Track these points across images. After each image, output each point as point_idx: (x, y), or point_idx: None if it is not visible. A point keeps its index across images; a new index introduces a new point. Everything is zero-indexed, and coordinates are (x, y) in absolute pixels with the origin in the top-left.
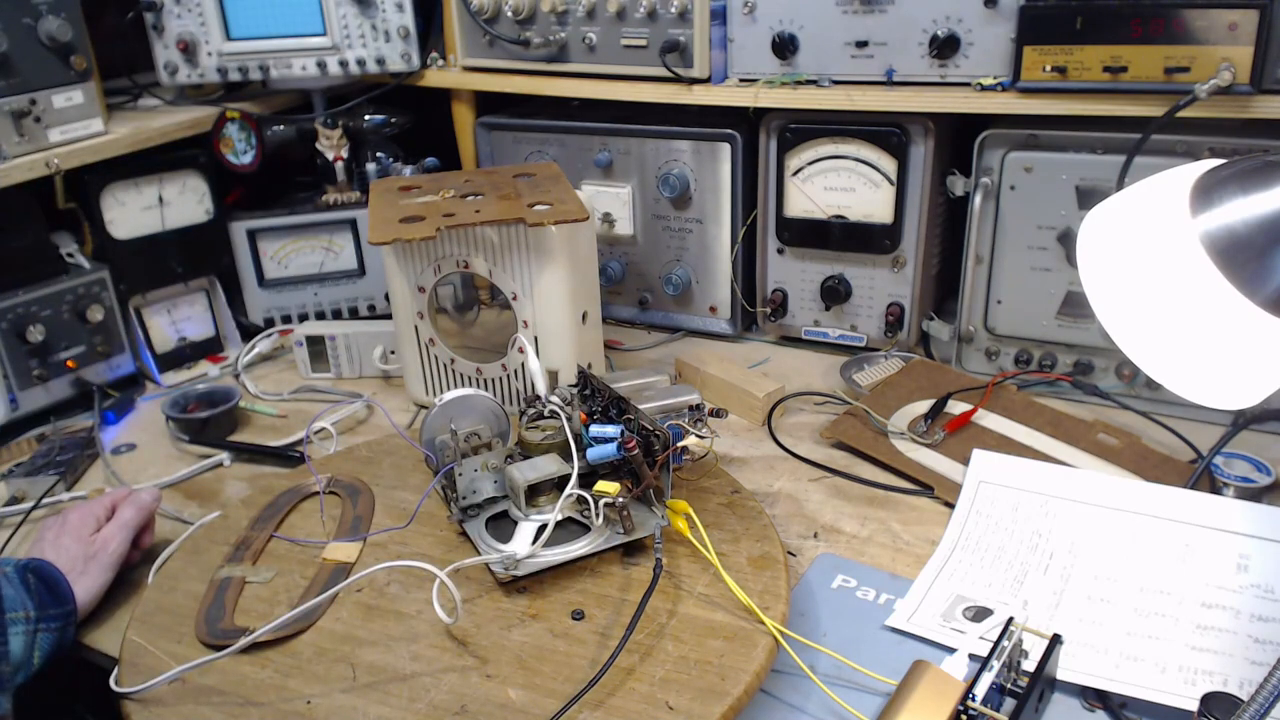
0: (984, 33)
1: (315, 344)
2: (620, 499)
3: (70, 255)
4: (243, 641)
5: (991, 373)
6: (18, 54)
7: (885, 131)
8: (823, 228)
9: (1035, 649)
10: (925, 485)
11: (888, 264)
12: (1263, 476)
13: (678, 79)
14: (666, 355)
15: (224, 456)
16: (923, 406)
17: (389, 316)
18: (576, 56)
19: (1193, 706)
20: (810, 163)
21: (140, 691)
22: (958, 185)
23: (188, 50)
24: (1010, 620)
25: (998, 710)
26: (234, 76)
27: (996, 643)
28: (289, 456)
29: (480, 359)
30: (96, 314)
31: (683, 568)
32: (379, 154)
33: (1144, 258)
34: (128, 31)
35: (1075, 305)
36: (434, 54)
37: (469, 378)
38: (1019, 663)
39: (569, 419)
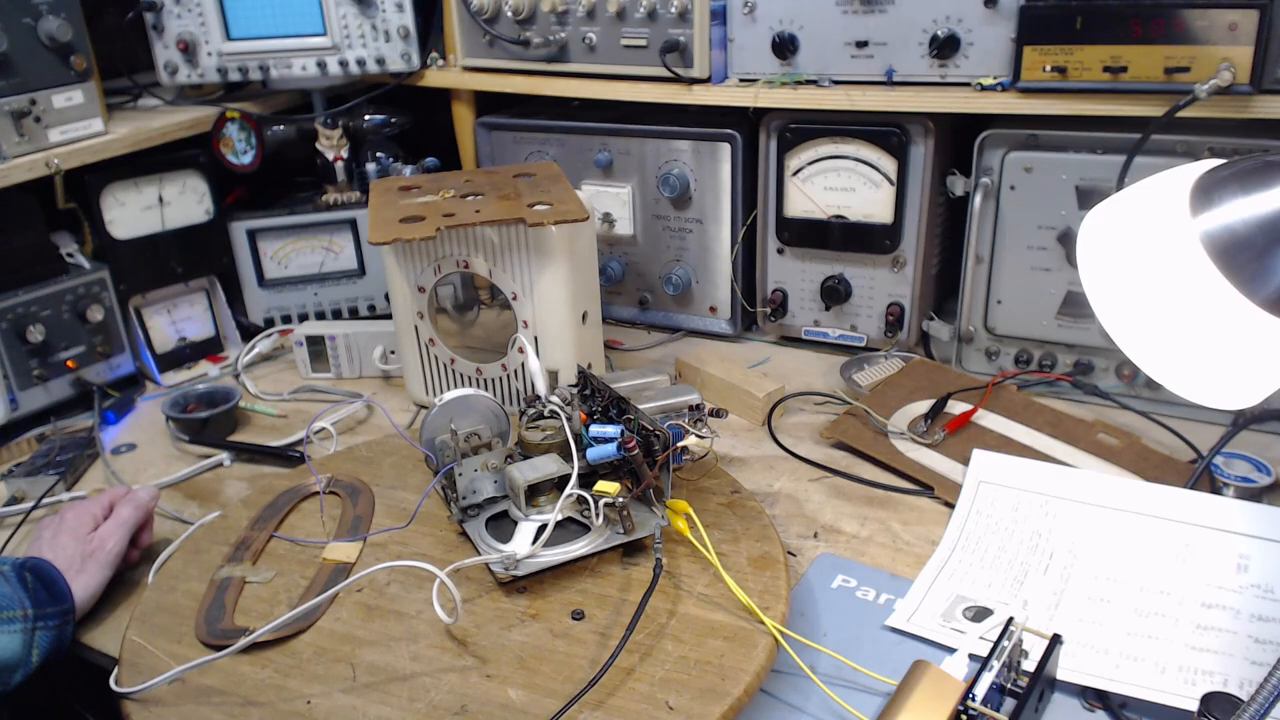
0: (984, 33)
1: (315, 344)
2: (620, 499)
3: (70, 255)
4: (243, 641)
5: (991, 373)
6: (18, 54)
7: (885, 131)
8: (823, 228)
9: (1035, 649)
10: (925, 485)
11: (888, 264)
12: (1263, 476)
13: (678, 79)
14: (666, 355)
15: (224, 456)
16: (923, 406)
17: (389, 316)
18: (576, 56)
19: (1193, 706)
20: (810, 163)
21: (140, 691)
22: (958, 185)
23: (188, 50)
24: (1010, 620)
25: (998, 710)
26: (234, 76)
27: (996, 643)
28: (289, 456)
29: (480, 359)
30: (96, 314)
31: (683, 568)
32: (379, 154)
33: (1144, 258)
34: (128, 31)
35: (1075, 305)
36: (434, 54)
37: (469, 378)
38: (1019, 663)
39: (569, 419)
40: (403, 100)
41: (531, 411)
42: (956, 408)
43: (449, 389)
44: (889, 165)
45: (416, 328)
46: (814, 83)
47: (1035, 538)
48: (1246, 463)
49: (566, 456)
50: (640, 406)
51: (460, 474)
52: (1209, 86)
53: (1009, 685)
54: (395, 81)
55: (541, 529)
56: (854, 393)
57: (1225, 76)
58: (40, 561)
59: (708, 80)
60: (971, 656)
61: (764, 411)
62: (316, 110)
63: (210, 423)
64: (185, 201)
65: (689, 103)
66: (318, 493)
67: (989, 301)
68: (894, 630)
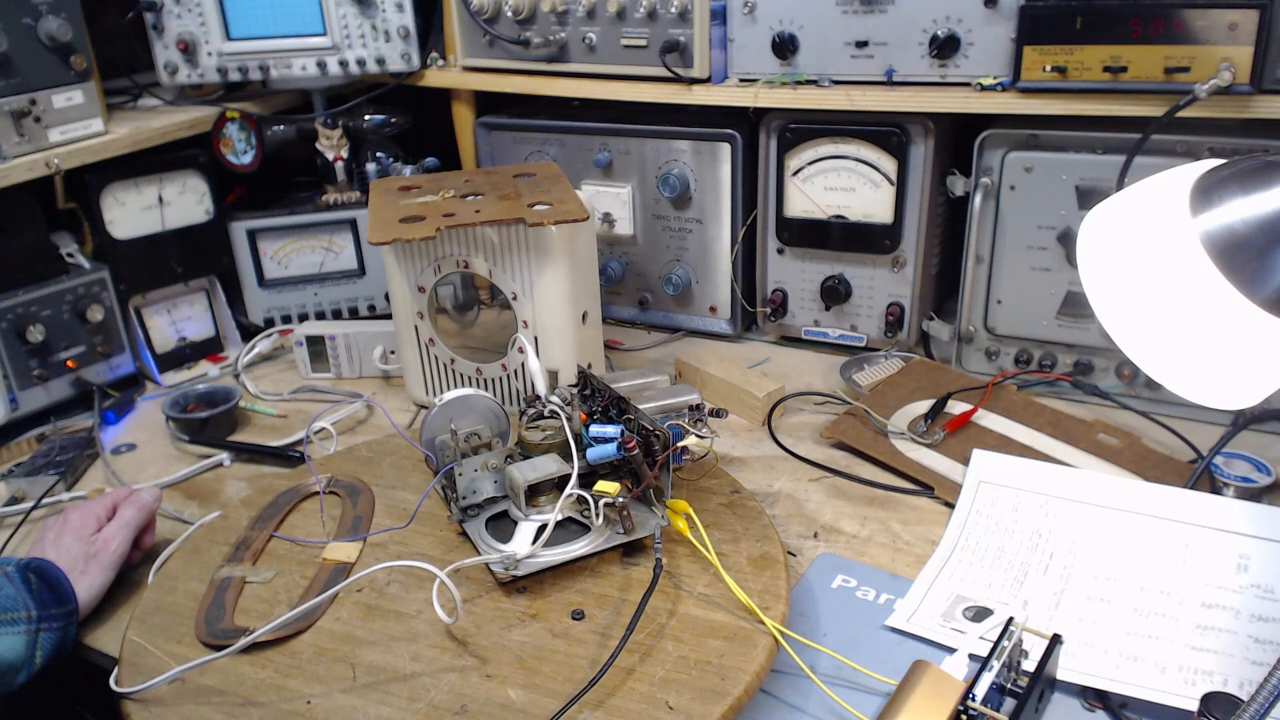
0: (984, 33)
1: (315, 344)
2: (620, 499)
3: (70, 255)
4: (243, 641)
5: (991, 373)
6: (18, 54)
7: (885, 131)
8: (823, 228)
9: (1035, 649)
10: (925, 485)
11: (888, 264)
12: (1263, 476)
13: (678, 79)
14: (666, 355)
15: (224, 456)
16: (923, 406)
17: (389, 316)
18: (576, 56)
19: (1193, 706)
20: (810, 163)
21: (140, 691)
22: (958, 185)
23: (188, 50)
24: (1010, 620)
25: (998, 710)
26: (234, 76)
27: (996, 643)
28: (289, 456)
29: (480, 359)
30: (96, 314)
31: (683, 568)
32: (379, 154)
33: (1144, 258)
34: (128, 31)
35: (1075, 305)
36: (434, 54)
37: (469, 378)
38: (1019, 663)
39: (569, 419)
40: (403, 100)
41: (531, 411)
42: (956, 408)
43: (449, 389)
44: (889, 165)
45: (416, 328)
46: (814, 83)
47: (1035, 538)
48: (1246, 463)
49: (566, 456)
50: (640, 406)
51: (460, 474)
52: (1209, 86)
53: (1009, 685)
54: (395, 81)
55: (541, 529)
56: (854, 393)
57: (1225, 76)
58: (44, 562)
59: (708, 80)
60: (971, 656)
61: (764, 411)
62: (316, 110)
63: (210, 423)
64: (185, 201)
65: (689, 103)
66: (318, 493)
67: (989, 301)
68: (894, 630)
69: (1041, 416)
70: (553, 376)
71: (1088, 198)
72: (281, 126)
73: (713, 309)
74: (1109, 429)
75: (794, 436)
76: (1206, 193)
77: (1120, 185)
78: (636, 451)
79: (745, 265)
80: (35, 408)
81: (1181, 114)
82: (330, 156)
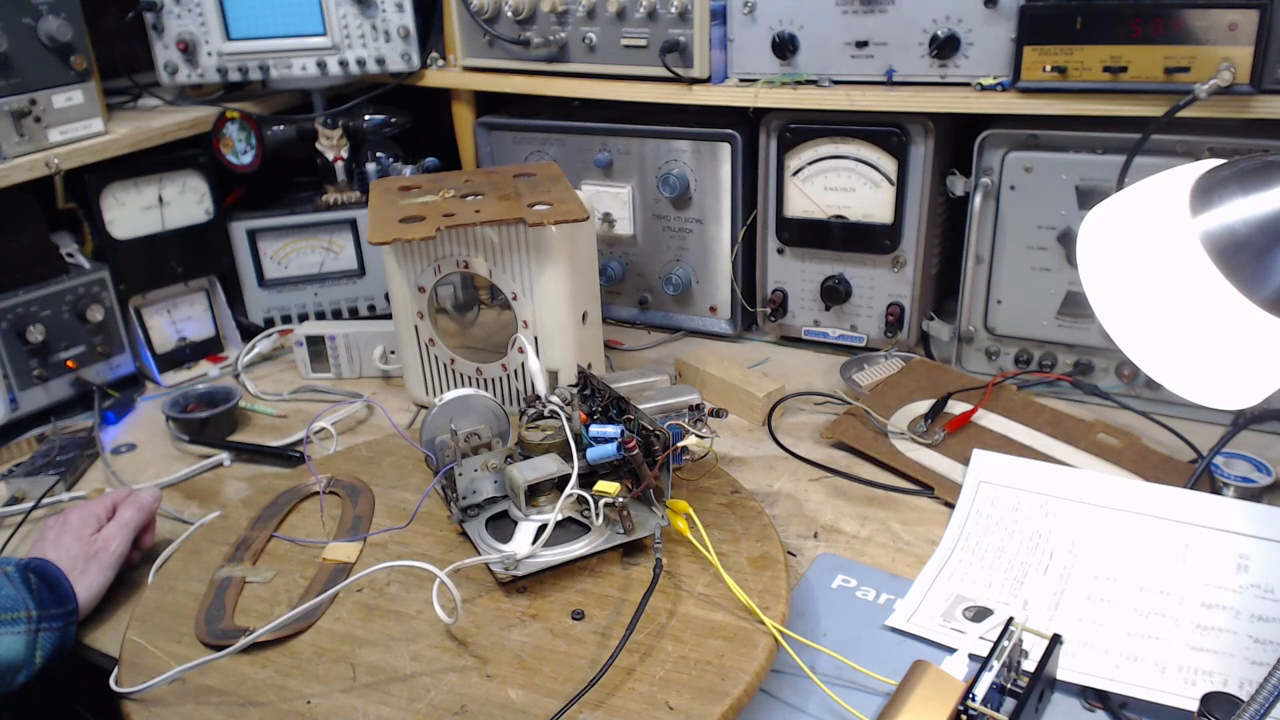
0: (984, 33)
1: (315, 344)
2: (620, 499)
3: (70, 255)
4: (243, 641)
5: (991, 373)
6: (18, 54)
7: (885, 131)
8: (823, 228)
9: (1035, 649)
10: (925, 485)
11: (888, 264)
12: (1263, 476)
13: (678, 79)
14: (666, 355)
15: (224, 456)
16: (923, 406)
17: (389, 316)
18: (576, 56)
19: (1193, 706)
20: (810, 163)
21: (140, 691)
22: (958, 185)
23: (188, 50)
24: (1010, 620)
25: (998, 710)
26: (234, 76)
27: (996, 643)
28: (289, 456)
29: (480, 359)
30: (96, 314)
31: (683, 568)
32: (379, 154)
33: (1144, 258)
34: (128, 31)
35: (1075, 305)
36: (434, 54)
37: (469, 378)
38: (1019, 663)
39: (569, 419)
40: (403, 100)
41: (531, 411)
42: (956, 408)
43: (449, 389)
44: (889, 165)
45: (416, 328)
46: (814, 83)
47: (1035, 538)
48: (1246, 463)
49: (566, 456)
50: (640, 406)
51: (460, 474)
52: (1209, 86)
53: (1009, 685)
54: (395, 81)
55: (541, 529)
56: (854, 393)
57: (1225, 76)
58: (44, 562)
59: (708, 80)
60: (971, 656)
61: (764, 411)
62: (316, 110)
63: (210, 423)
64: (185, 201)
65: (689, 103)
66: (318, 493)
67: (989, 301)
68: (894, 630)
69: (1041, 416)
70: (553, 376)
71: (1088, 198)
72: (281, 126)
73: (713, 309)
74: (1109, 429)
75: (794, 436)
76: (1206, 193)
77: (1120, 185)
78: (636, 451)
79: (745, 265)
80: (35, 408)
81: (1181, 114)
82: (330, 156)
